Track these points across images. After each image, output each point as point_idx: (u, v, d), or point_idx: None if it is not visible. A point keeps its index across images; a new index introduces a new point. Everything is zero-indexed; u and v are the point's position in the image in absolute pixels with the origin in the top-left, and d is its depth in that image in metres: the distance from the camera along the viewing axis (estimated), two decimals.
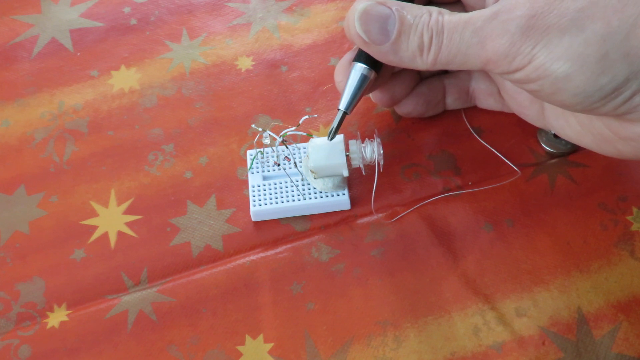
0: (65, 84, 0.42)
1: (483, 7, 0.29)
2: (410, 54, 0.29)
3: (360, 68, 0.31)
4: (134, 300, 0.33)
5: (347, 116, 0.32)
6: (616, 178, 0.35)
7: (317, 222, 0.35)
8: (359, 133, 0.35)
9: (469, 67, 0.28)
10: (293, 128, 0.34)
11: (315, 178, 0.35)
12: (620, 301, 0.31)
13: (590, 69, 0.25)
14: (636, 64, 0.24)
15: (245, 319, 0.32)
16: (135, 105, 0.41)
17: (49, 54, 0.44)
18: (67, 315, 0.33)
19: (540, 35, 0.25)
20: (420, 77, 0.37)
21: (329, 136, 0.32)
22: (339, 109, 0.32)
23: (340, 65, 0.34)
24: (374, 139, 0.34)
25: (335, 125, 0.32)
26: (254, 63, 0.42)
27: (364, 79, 0.31)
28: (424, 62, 0.29)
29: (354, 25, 0.29)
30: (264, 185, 0.36)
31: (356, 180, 0.36)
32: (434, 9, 0.28)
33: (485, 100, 0.37)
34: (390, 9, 0.28)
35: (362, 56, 0.31)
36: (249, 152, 0.37)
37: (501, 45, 0.26)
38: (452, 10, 0.28)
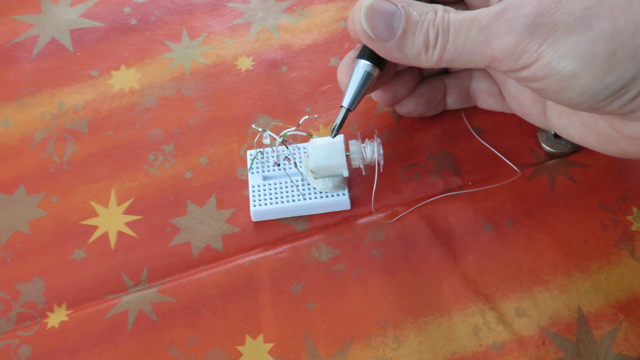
0: (65, 84, 0.42)
1: (486, 6, 0.29)
2: (416, 51, 0.29)
3: (364, 65, 0.31)
4: (134, 300, 0.33)
5: (348, 115, 0.32)
6: (616, 178, 0.35)
7: (317, 222, 0.35)
8: (359, 133, 0.35)
9: (474, 65, 0.28)
10: (293, 128, 0.34)
11: (315, 178, 0.35)
12: (620, 301, 0.31)
13: (597, 67, 0.25)
14: None
15: (245, 319, 0.32)
16: (135, 105, 0.41)
17: (49, 54, 0.44)
18: (67, 315, 0.33)
19: (547, 33, 0.25)
20: (421, 77, 0.37)
21: (331, 133, 0.32)
22: (342, 106, 0.32)
23: (344, 63, 0.34)
24: (374, 139, 0.34)
25: (338, 123, 0.32)
26: (254, 63, 0.42)
27: (367, 76, 0.31)
28: (429, 60, 0.29)
29: (359, 21, 0.29)
30: (264, 185, 0.36)
31: (356, 180, 0.36)
32: (439, 7, 0.28)
33: (486, 100, 0.37)
34: (396, 5, 0.28)
35: (365, 53, 0.31)
36: (249, 152, 0.37)
37: (507, 43, 0.26)
38: (456, 9, 0.28)
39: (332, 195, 0.35)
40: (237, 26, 0.44)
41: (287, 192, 0.35)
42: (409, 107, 0.36)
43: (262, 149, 0.36)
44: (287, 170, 0.36)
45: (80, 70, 0.43)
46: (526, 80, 0.27)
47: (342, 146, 0.34)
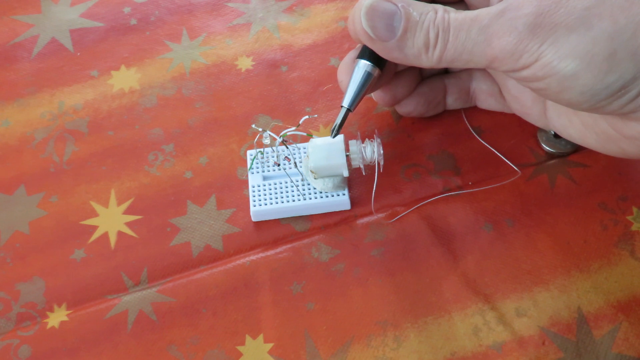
0: (65, 84, 0.42)
1: (487, 6, 0.29)
2: (416, 51, 0.29)
3: (364, 65, 0.31)
4: (134, 300, 0.33)
5: (348, 115, 0.32)
6: (616, 178, 0.35)
7: (317, 222, 0.35)
8: (359, 133, 0.35)
9: (474, 65, 0.28)
10: (293, 128, 0.34)
11: (315, 178, 0.35)
12: (620, 301, 0.31)
13: (597, 67, 0.25)
14: None
15: (245, 319, 0.32)
16: (135, 105, 0.41)
17: (49, 54, 0.44)
18: (67, 315, 0.33)
19: (548, 33, 0.25)
20: (421, 77, 0.37)
21: (332, 133, 0.32)
22: (342, 106, 0.32)
23: (344, 63, 0.34)
24: (374, 139, 0.34)
25: (339, 123, 0.32)
26: (254, 63, 0.42)
27: (367, 76, 0.31)
28: (429, 60, 0.29)
29: (359, 21, 0.29)
30: (264, 185, 0.36)
31: (356, 180, 0.36)
32: (439, 7, 0.28)
33: (486, 100, 0.37)
34: (397, 5, 0.28)
35: (366, 53, 0.31)
36: (249, 152, 0.37)
37: (508, 43, 0.26)
38: (456, 9, 0.28)
39: (332, 195, 0.35)
40: (237, 26, 0.44)
41: (287, 192, 0.35)
42: (409, 107, 0.36)
43: (262, 149, 0.36)
44: (287, 170, 0.36)
45: (80, 70, 0.43)
46: (526, 80, 0.27)
47: (342, 146, 0.34)
